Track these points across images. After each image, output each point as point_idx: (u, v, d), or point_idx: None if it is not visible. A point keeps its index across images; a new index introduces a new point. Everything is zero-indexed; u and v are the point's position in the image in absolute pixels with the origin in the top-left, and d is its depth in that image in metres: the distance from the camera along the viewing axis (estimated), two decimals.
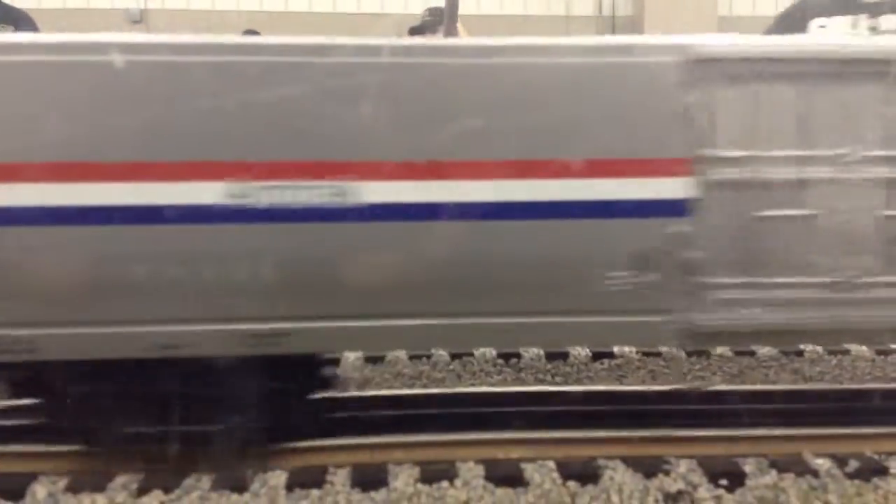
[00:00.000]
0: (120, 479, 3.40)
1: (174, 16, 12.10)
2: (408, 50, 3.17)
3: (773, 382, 4.78)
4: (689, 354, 5.02)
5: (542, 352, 5.02)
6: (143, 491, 3.34)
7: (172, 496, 3.32)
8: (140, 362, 3.19)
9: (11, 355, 3.09)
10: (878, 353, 5.11)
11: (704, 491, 3.34)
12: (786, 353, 5.07)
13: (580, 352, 5.04)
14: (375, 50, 3.11)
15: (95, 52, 3.03)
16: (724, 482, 3.38)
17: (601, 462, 3.51)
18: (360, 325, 3.19)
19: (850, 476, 3.45)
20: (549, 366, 4.94)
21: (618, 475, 3.42)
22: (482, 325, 3.23)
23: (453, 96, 3.13)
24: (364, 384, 4.73)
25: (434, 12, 7.59)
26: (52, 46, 3.05)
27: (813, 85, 3.23)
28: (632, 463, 3.50)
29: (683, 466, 3.47)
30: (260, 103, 3.05)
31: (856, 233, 3.25)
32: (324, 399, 3.82)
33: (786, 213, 3.22)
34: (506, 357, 4.99)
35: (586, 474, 3.42)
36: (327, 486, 3.38)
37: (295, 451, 3.58)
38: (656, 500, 3.30)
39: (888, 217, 3.25)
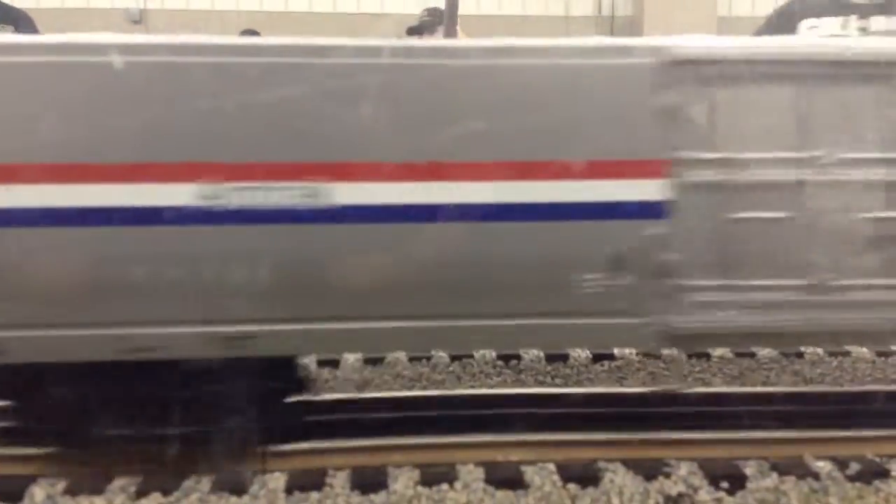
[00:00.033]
0: (118, 482, 3.39)
1: (174, 16, 12.10)
2: (372, 51, 3.11)
3: (774, 384, 4.77)
4: (690, 356, 5.01)
5: (541, 353, 5.01)
6: (141, 493, 3.33)
7: (171, 498, 3.30)
8: (114, 364, 3.15)
9: None
10: (879, 354, 5.10)
11: (705, 493, 3.34)
12: (786, 355, 5.06)
13: (580, 353, 5.03)
14: (338, 51, 3.08)
15: (54, 52, 3.01)
16: (724, 485, 3.37)
17: (601, 464, 3.51)
18: (329, 328, 3.16)
19: (852, 479, 3.45)
20: (549, 367, 4.93)
21: (618, 477, 3.42)
22: (452, 327, 3.20)
23: (424, 98, 3.10)
24: (363, 385, 4.73)
25: (432, 13, 7.59)
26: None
27: (789, 87, 3.22)
28: (632, 465, 3.49)
29: (684, 469, 3.47)
30: (231, 104, 3.02)
31: (832, 235, 3.23)
32: (303, 402, 3.83)
33: (762, 216, 3.21)
34: (506, 359, 4.98)
35: (587, 477, 3.42)
36: (327, 489, 3.37)
37: (294, 453, 3.57)
38: (657, 503, 3.30)
39: (864, 219, 3.24)
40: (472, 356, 5.01)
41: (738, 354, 5.04)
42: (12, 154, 3.00)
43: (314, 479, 3.42)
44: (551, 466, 3.49)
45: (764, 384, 4.77)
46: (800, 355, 5.08)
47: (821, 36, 4.62)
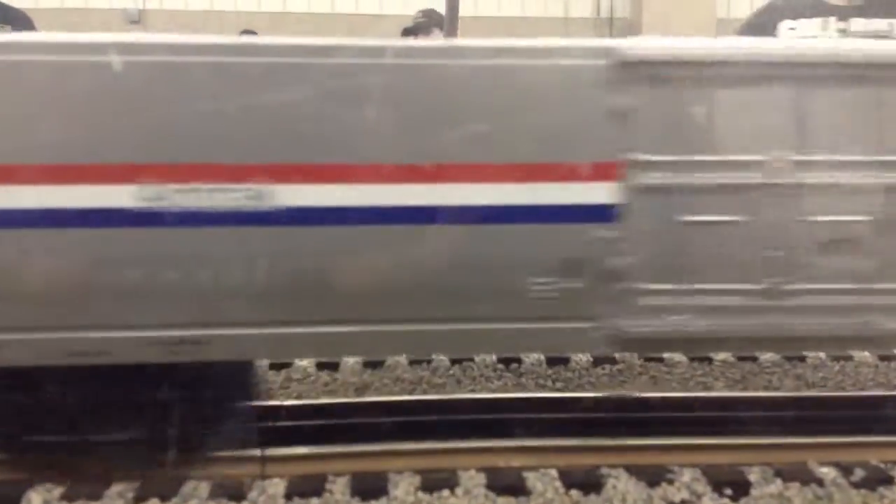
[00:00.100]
0: (116, 488, 3.35)
1: (172, 16, 12.06)
2: (311, 50, 3.07)
3: (776, 388, 4.75)
4: (691, 360, 4.98)
5: (542, 357, 4.97)
6: (140, 499, 3.29)
7: None
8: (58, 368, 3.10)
9: None
10: (882, 358, 5.07)
11: (709, 500, 3.31)
12: (788, 359, 5.03)
13: (581, 357, 5.00)
14: (280, 50, 3.04)
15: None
16: (728, 491, 3.34)
17: (604, 470, 3.48)
18: (279, 333, 3.13)
19: (856, 485, 3.42)
20: (549, 371, 4.90)
21: (621, 484, 3.39)
22: (402, 332, 3.17)
23: (368, 98, 3.05)
24: (363, 389, 4.69)
25: (427, 14, 7.58)
26: None
27: (740, 88, 3.19)
28: (635, 471, 3.46)
29: (687, 475, 3.44)
30: (174, 104, 2.99)
31: (784, 239, 3.21)
32: (262, 407, 3.81)
33: (713, 219, 3.18)
34: (506, 362, 4.94)
35: (589, 483, 3.39)
36: (326, 495, 3.34)
37: (293, 458, 3.53)
38: None
39: (817, 223, 3.21)
40: (472, 360, 4.97)
41: (740, 358, 5.01)
42: None
43: (314, 485, 3.38)
44: (553, 472, 3.46)
45: (766, 388, 4.74)
46: (802, 359, 5.05)
47: (796, 37, 4.59)
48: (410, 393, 4.63)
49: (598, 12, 13.61)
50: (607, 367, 4.94)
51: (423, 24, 7.36)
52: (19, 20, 5.18)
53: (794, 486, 3.39)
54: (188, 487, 3.36)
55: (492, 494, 3.32)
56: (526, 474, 3.44)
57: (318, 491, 3.35)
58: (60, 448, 3.35)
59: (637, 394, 4.41)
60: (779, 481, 3.42)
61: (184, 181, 2.98)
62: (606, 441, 3.63)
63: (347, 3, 13.00)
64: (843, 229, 3.21)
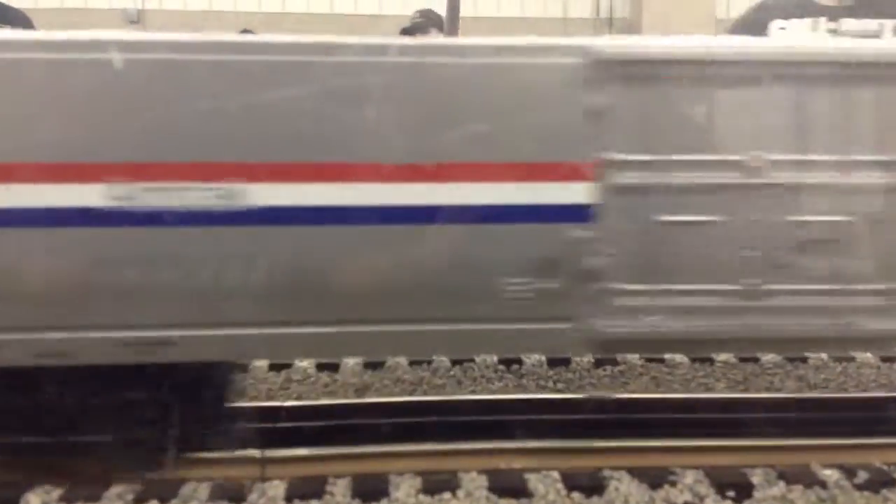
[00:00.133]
0: (115, 489, 3.33)
1: (171, 16, 12.03)
2: (274, 48, 3.04)
3: (778, 390, 4.72)
4: (693, 361, 4.96)
5: (543, 358, 4.95)
6: (139, 501, 3.27)
7: None
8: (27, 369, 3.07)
9: None
10: (884, 360, 5.05)
11: (711, 502, 3.29)
12: (790, 360, 5.00)
13: (582, 358, 4.97)
14: (241, 47, 3.02)
15: None
16: (731, 493, 3.32)
17: (606, 472, 3.45)
18: (249, 333, 3.10)
19: (860, 487, 3.40)
20: (550, 372, 4.88)
21: (623, 486, 3.36)
22: (377, 332, 3.14)
23: (338, 97, 3.01)
24: (363, 390, 4.67)
25: (425, 14, 7.58)
26: None
27: (716, 88, 3.17)
28: (637, 473, 3.44)
29: (690, 477, 3.42)
30: (144, 103, 2.96)
31: (762, 239, 3.18)
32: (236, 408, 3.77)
33: (690, 219, 3.16)
34: (507, 363, 4.92)
35: (591, 485, 3.36)
36: (327, 497, 3.32)
37: (293, 459, 3.51)
38: None
39: (793, 223, 3.18)
40: (473, 360, 4.95)
41: (742, 359, 4.98)
42: None
43: (314, 487, 3.36)
44: (555, 474, 3.43)
45: (768, 389, 4.72)
46: (804, 360, 5.03)
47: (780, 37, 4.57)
48: (411, 394, 4.61)
49: (598, 13, 13.59)
50: (609, 368, 4.92)
51: (421, 24, 7.36)
52: (18, 20, 5.16)
53: (798, 489, 3.36)
54: (187, 489, 3.34)
55: (493, 497, 3.30)
56: (528, 476, 3.42)
57: (318, 493, 3.33)
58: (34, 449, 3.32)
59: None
60: (782, 483, 3.40)
61: (153, 180, 2.95)
62: (609, 443, 3.60)
63: (346, 4, 12.99)
64: (821, 229, 3.18)
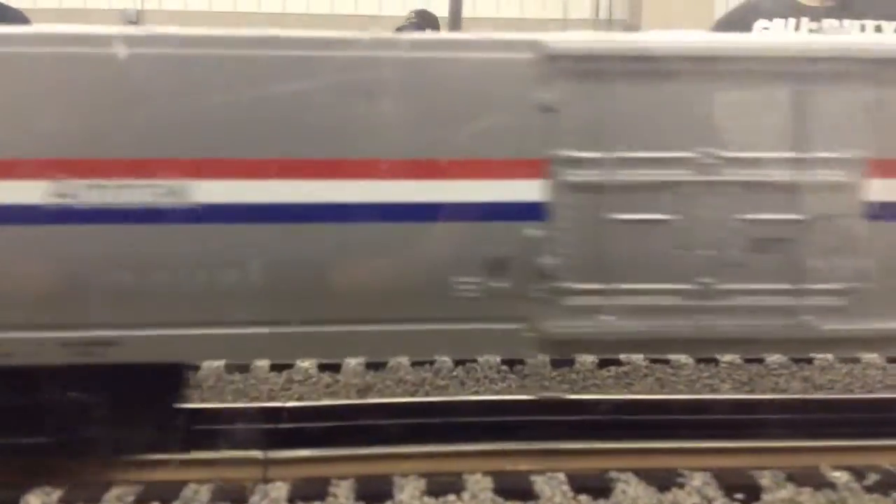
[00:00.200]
0: (115, 491, 3.29)
1: (171, 17, 12.02)
2: (209, 42, 3.00)
3: (784, 391, 4.69)
4: (698, 362, 4.92)
5: (546, 359, 4.91)
6: (140, 502, 3.23)
7: None
8: None
9: None
10: (890, 360, 5.01)
11: None
12: (796, 361, 4.97)
13: (586, 359, 4.93)
14: (182, 41, 2.98)
15: None
16: (740, 496, 3.28)
17: (613, 474, 3.41)
18: (192, 334, 3.06)
19: (869, 489, 3.36)
20: (554, 373, 4.84)
21: (631, 488, 3.32)
22: (324, 333, 3.10)
23: (282, 92, 2.97)
24: (365, 391, 4.63)
25: (420, 14, 7.61)
26: None
27: (668, 83, 3.11)
28: (644, 475, 3.39)
29: (698, 479, 3.37)
30: (83, 97, 2.93)
31: (716, 238, 3.14)
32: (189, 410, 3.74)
33: (643, 217, 3.12)
34: (510, 364, 4.88)
35: (598, 487, 3.32)
36: (330, 499, 3.27)
37: (296, 461, 3.47)
38: None
39: (748, 221, 3.15)
40: (475, 361, 4.91)
41: (748, 360, 4.94)
42: None
43: (317, 489, 3.32)
44: (561, 476, 3.39)
45: (773, 390, 4.69)
46: (809, 361, 4.99)
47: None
48: (413, 395, 4.57)
49: (597, 14, 13.60)
50: (612, 368, 4.88)
51: (415, 24, 7.39)
52: (18, 20, 5.14)
53: (807, 491, 3.32)
54: (189, 491, 3.29)
55: (499, 499, 3.26)
56: (534, 478, 3.38)
57: (321, 495, 3.28)
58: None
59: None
60: (791, 486, 3.36)
61: (95, 177, 2.91)
62: (615, 444, 3.56)
63: (347, 4, 12.98)
64: (776, 228, 3.15)
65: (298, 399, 4.43)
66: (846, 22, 4.60)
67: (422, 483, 3.36)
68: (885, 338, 3.33)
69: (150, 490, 3.27)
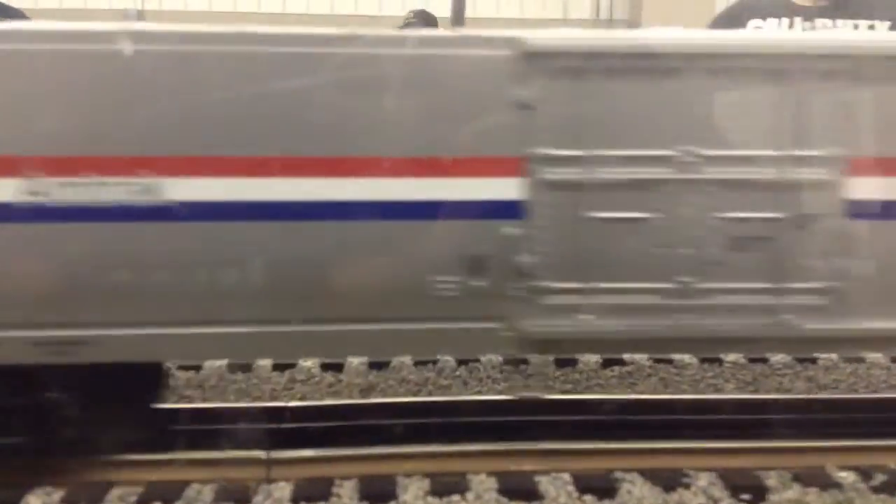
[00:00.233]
0: (116, 491, 3.27)
1: (172, 17, 12.00)
2: (175, 38, 2.99)
3: (788, 390, 4.67)
4: (702, 361, 4.90)
5: (550, 358, 4.88)
6: (142, 503, 3.21)
7: None
8: None
9: None
10: (894, 360, 4.99)
11: None
12: (800, 361, 4.94)
13: (590, 359, 4.91)
14: (150, 37, 2.96)
15: None
16: (746, 496, 3.26)
17: (618, 475, 3.39)
18: (164, 333, 3.03)
19: (876, 490, 3.34)
20: (558, 373, 4.81)
21: (636, 489, 3.30)
22: (299, 333, 3.07)
23: (253, 86, 2.94)
24: (368, 390, 4.61)
25: (419, 14, 7.61)
26: None
27: (647, 81, 3.08)
28: (650, 476, 3.37)
29: (704, 480, 3.35)
30: (54, 94, 2.90)
31: (696, 236, 3.11)
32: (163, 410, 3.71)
33: (622, 216, 3.10)
34: (514, 363, 4.85)
35: (603, 487, 3.30)
36: (334, 499, 3.25)
37: (299, 461, 3.45)
38: None
39: (727, 219, 3.12)
40: (478, 361, 4.89)
41: (752, 360, 4.92)
42: None
43: (321, 489, 3.30)
44: (566, 476, 3.37)
45: (778, 390, 4.67)
46: (813, 361, 4.97)
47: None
48: (416, 394, 4.55)
49: (598, 14, 13.57)
50: (616, 368, 4.86)
51: (414, 24, 7.39)
52: (18, 20, 5.11)
53: (813, 491, 3.30)
54: (191, 491, 3.27)
55: (503, 499, 3.24)
56: (538, 478, 3.36)
57: (325, 495, 3.26)
58: None
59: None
60: (797, 486, 3.34)
61: (67, 174, 2.88)
62: (620, 444, 3.54)
63: (347, 4, 12.95)
64: (756, 227, 3.12)
65: (301, 399, 4.41)
66: (840, 22, 4.59)
67: (425, 483, 3.34)
68: (867, 337, 3.31)
69: (153, 490, 3.25)
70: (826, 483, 3.36)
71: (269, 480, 3.35)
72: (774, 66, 3.10)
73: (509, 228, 3.03)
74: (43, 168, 2.87)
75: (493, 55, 3.01)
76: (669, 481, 3.33)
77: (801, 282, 3.16)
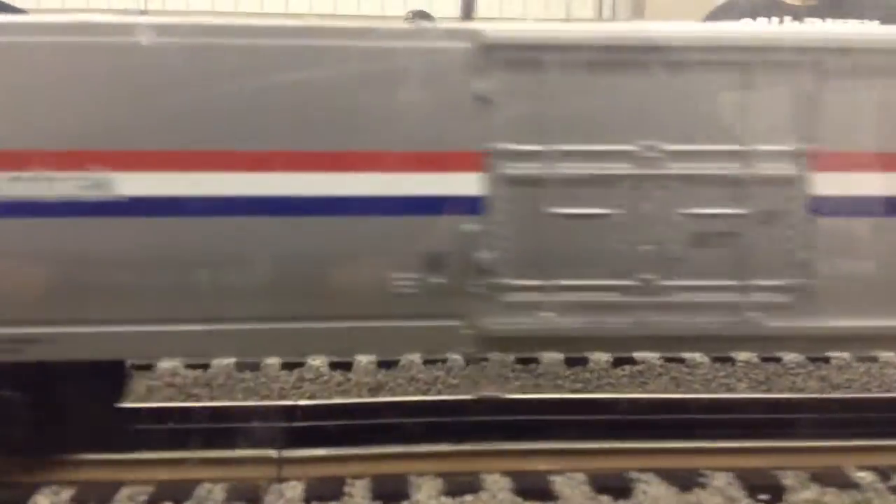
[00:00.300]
0: (126, 491, 3.23)
1: (174, 16, 11.96)
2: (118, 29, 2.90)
3: (801, 390, 4.63)
4: (714, 361, 4.86)
5: (561, 357, 4.84)
6: (152, 502, 3.17)
7: None
8: None
9: None
10: None
11: None
12: (812, 360, 4.90)
13: (601, 357, 4.87)
14: (101, 29, 2.88)
15: None
16: (764, 497, 3.21)
17: (634, 474, 3.35)
18: (117, 331, 2.97)
19: (894, 490, 3.29)
20: (568, 372, 4.77)
21: (652, 489, 3.26)
22: (257, 331, 3.02)
23: (216, 80, 2.89)
24: (377, 389, 4.56)
25: (418, 15, 7.57)
26: None
27: (608, 75, 3.02)
28: (666, 476, 3.33)
29: (721, 480, 3.31)
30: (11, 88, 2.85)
31: (657, 233, 3.07)
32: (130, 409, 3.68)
33: (583, 212, 3.05)
34: (524, 362, 4.81)
35: (619, 487, 3.25)
36: (346, 499, 3.21)
37: (311, 460, 3.40)
38: None
39: (690, 216, 3.07)
40: (486, 360, 4.83)
41: (764, 359, 4.88)
42: None
43: (332, 488, 3.25)
44: (581, 476, 3.33)
45: (791, 390, 4.62)
46: (826, 360, 4.93)
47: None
48: (425, 393, 4.51)
49: (600, 13, 13.53)
50: (627, 367, 4.81)
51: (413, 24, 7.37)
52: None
53: (832, 491, 3.26)
54: (202, 491, 3.23)
55: (518, 499, 3.19)
56: (553, 478, 3.31)
57: (336, 494, 3.22)
58: None
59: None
60: (815, 486, 3.29)
61: (15, 169, 2.83)
62: (635, 444, 3.50)
63: (349, 4, 12.91)
64: (719, 223, 3.07)
65: (310, 397, 4.37)
66: (829, 21, 4.56)
67: (439, 482, 3.30)
68: (832, 336, 3.26)
69: (163, 489, 3.21)
70: (844, 483, 3.31)
71: (281, 479, 3.31)
72: (736, 59, 3.04)
73: (469, 225, 2.98)
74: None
75: (452, 47, 2.95)
76: (686, 481, 3.29)
77: (766, 279, 3.11)
